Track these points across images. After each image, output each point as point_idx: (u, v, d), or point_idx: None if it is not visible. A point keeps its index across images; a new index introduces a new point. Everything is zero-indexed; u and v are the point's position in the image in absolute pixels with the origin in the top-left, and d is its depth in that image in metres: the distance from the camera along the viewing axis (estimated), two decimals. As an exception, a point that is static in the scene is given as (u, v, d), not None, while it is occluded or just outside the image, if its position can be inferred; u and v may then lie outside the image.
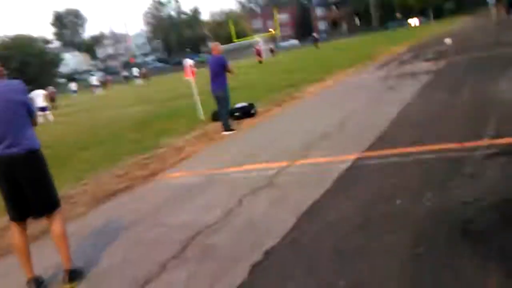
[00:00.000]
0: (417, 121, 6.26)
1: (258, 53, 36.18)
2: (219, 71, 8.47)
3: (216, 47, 8.87)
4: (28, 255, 3.29)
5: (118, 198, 5.42)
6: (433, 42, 21.91)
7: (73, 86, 45.82)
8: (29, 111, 3.30)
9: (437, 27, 40.21)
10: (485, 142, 4.60)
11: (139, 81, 45.37)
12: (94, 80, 44.86)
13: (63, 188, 5.47)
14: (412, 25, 65.05)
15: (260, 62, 33.29)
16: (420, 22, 65.40)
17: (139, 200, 5.20)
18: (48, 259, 3.77)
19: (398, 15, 79.45)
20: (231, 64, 8.68)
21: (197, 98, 10.76)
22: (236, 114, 9.62)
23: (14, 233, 3.30)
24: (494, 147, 4.38)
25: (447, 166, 4.16)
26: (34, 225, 4.52)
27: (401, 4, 77.86)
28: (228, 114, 8.66)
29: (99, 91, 41.16)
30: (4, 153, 3.13)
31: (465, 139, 4.81)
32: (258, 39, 46.62)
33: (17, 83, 3.29)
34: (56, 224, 3.31)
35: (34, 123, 3.37)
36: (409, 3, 76.29)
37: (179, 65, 51.93)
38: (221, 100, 8.51)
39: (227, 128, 8.47)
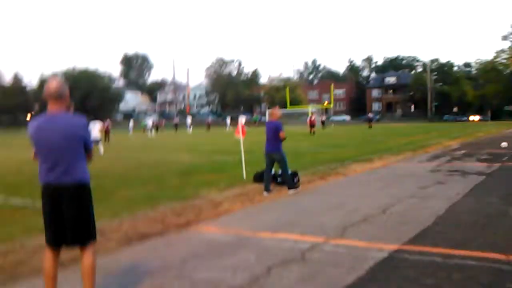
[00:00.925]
0: (464, 223, 6.01)
1: (312, 124, 35.77)
2: (274, 134, 8.99)
3: (275, 112, 9.47)
4: (55, 280, 3.33)
5: (149, 242, 5.44)
6: (488, 143, 21.41)
7: (131, 124, 47.84)
8: (86, 146, 3.45)
9: (493, 128, 39.43)
10: (536, 259, 4.33)
11: (190, 130, 46.96)
12: (148, 122, 46.75)
13: (99, 222, 5.55)
14: (471, 120, 64.32)
15: (313, 133, 33.40)
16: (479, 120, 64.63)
17: (169, 248, 5.19)
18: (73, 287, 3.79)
19: (455, 109, 79.05)
20: (284, 131, 9.01)
21: (242, 157, 10.90)
22: (279, 180, 9.61)
23: (46, 257, 3.36)
24: (545, 267, 4.11)
25: (490, 277, 3.91)
26: (67, 253, 4.60)
27: (459, 98, 77.63)
28: (288, 174, 9.04)
29: (152, 133, 42.71)
30: (54, 181, 3.27)
31: (514, 251, 4.55)
32: (313, 110, 47.35)
33: (79, 118, 3.44)
34: (87, 256, 3.35)
35: (89, 158, 3.51)
36: (468, 99, 75.99)
37: (231, 120, 53.61)
38: (277, 161, 9.02)
39: (292, 186, 8.92)
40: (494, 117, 66.40)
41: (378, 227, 5.88)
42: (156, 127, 49.07)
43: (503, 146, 17.49)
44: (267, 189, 8.83)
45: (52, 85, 3.33)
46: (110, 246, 5.21)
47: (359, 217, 6.41)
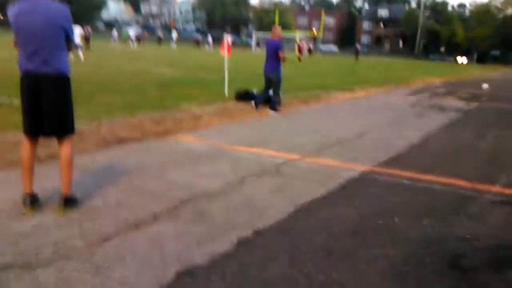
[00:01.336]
0: (436, 152, 6.22)
1: (299, 50, 34.81)
2: (274, 54, 8.80)
3: (276, 30, 9.20)
4: (31, 170, 3.36)
5: (127, 146, 5.49)
6: (470, 83, 21.61)
7: (115, 34, 46.03)
8: (68, 37, 3.35)
9: (477, 70, 39.62)
10: (496, 188, 4.57)
11: (174, 45, 45.69)
12: (131, 33, 45.17)
13: (77, 123, 5.53)
14: (459, 62, 64.13)
15: (299, 59, 32.80)
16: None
17: (147, 152, 5.27)
18: (49, 181, 3.86)
19: (442, 48, 78.59)
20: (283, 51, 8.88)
21: (226, 74, 10.78)
22: (260, 99, 9.62)
23: (23, 146, 3.37)
24: (503, 196, 4.35)
25: (453, 201, 4.14)
26: (44, 148, 4.63)
27: (448, 39, 76.96)
28: (278, 96, 9.06)
29: (134, 45, 41.48)
30: (33, 70, 3.20)
31: (478, 180, 4.78)
32: (301, 36, 46.15)
33: (63, 7, 3.31)
34: (65, 148, 3.37)
35: (69, 48, 3.42)
36: (457, 40, 75.41)
37: (216, 40, 52.14)
38: (273, 82, 8.93)
39: (274, 107, 8.94)
40: (479, 61, 66.45)
41: (352, 150, 6.04)
42: (138, 39, 47.42)
43: (484, 88, 17.71)
44: (256, 105, 9.01)
45: None
46: (88, 147, 5.24)
47: (335, 140, 6.56)
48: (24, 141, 3.38)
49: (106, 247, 2.84)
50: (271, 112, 8.89)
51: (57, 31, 3.23)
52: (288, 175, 4.67)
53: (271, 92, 9.20)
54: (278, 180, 4.45)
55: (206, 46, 50.92)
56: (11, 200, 3.48)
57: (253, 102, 9.22)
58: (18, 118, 3.56)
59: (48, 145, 4.62)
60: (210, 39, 52.89)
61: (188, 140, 6.00)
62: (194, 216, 3.40)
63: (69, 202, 3.37)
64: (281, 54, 8.83)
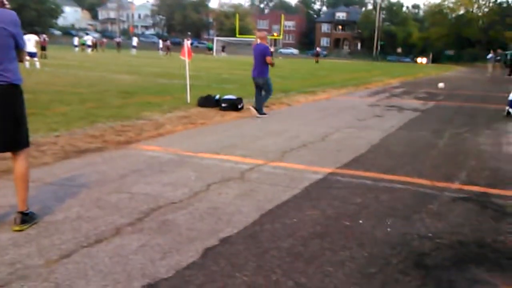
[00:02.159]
0: (396, 152, 6.36)
1: None
2: (262, 59, 8.92)
3: (263, 35, 9.37)
4: (-15, 189, 3.21)
5: (87, 157, 5.33)
6: (426, 83, 22.31)
7: (75, 41, 44.96)
8: (17, 45, 3.20)
9: (433, 70, 40.97)
10: (456, 185, 4.71)
11: (134, 51, 44.95)
12: (88, 39, 44.18)
13: (34, 136, 5.34)
14: (419, 62, 66.11)
15: None
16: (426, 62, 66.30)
17: (108, 163, 5.13)
18: (4, 197, 3.70)
19: (399, 50, 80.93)
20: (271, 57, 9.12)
21: (187, 80, 10.69)
22: (223, 105, 9.59)
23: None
24: (463, 192, 4.49)
25: (415, 199, 4.24)
26: (0, 163, 4.44)
27: (404, 40, 79.33)
28: (265, 100, 9.31)
29: (89, 51, 40.54)
30: None
31: (437, 178, 4.92)
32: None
33: (10, 14, 3.14)
34: (20, 163, 3.23)
35: (20, 58, 3.28)
36: (412, 41, 77.84)
37: (177, 45, 51.66)
38: (262, 86, 9.09)
39: (261, 111, 9.12)
40: (435, 60, 68.80)
41: (315, 153, 6.10)
42: (95, 45, 46.29)
43: (440, 87, 18.29)
44: (257, 109, 9.10)
45: None
46: (46, 160, 5.06)
47: (299, 143, 6.60)
48: (-25, 157, 3.22)
49: (66, 263, 2.73)
50: (258, 115, 9.03)
51: (5, 41, 3.08)
52: (254, 180, 4.66)
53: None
54: (243, 186, 4.43)
55: (158, 51, 50.39)
56: (-37, 219, 3.30)
57: (251, 107, 9.21)
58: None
59: (3, 158, 4.44)
60: (160, 44, 52.31)
61: (151, 149, 5.90)
62: (158, 227, 3.33)
63: (26, 218, 3.23)
64: (268, 59, 8.95)
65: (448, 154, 6.37)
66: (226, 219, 3.53)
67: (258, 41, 9.38)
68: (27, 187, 3.28)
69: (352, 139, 7.19)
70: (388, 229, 3.45)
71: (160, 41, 54.33)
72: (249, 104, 9.79)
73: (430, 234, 3.38)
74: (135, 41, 50.07)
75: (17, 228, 3.17)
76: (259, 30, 8.94)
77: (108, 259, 2.81)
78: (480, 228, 3.59)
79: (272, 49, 34.37)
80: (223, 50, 58.86)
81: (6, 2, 3.21)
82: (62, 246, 2.95)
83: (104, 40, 57.37)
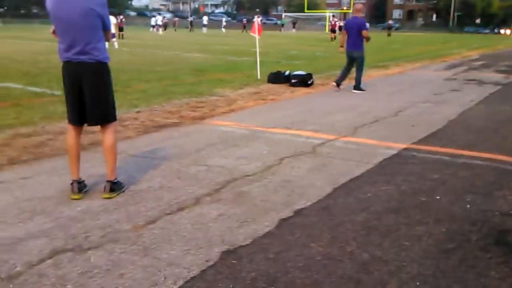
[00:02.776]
0: (475, 127, 6.06)
1: (333, 29, 33.35)
2: (357, 32, 8.86)
3: (359, 7, 9.38)
4: (78, 158, 3.50)
5: (166, 132, 5.61)
6: (508, 56, 20.76)
7: (152, 21, 45.43)
8: (104, 25, 3.41)
9: (519, 41, 37.90)
10: (542, 162, 4.43)
11: (204, 30, 45.59)
12: (158, 19, 44.90)
13: (117, 111, 5.69)
14: (502, 33, 61.19)
15: (333, 39, 31.71)
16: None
17: (185, 137, 5.37)
18: (94, 168, 4.01)
19: (478, 20, 75.40)
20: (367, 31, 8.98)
21: (258, 57, 10.77)
22: (293, 81, 9.59)
23: (68, 134, 3.50)
24: (551, 169, 4.22)
25: (496, 176, 4.05)
26: (88, 137, 4.80)
27: (483, 10, 73.67)
28: (360, 75, 9.23)
29: (161, 31, 41.44)
30: (74, 59, 3.29)
31: (522, 155, 4.65)
32: (331, 15, 44.81)
33: None
34: (108, 136, 3.48)
35: (106, 38, 3.50)
36: (492, 10, 72.15)
37: (246, 23, 51.75)
38: (356, 60, 9.06)
39: (358, 87, 9.10)
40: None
41: (389, 128, 5.96)
42: (165, 25, 47.11)
43: (525, 59, 16.98)
44: (338, 81, 9.18)
45: None
46: (129, 134, 5.40)
47: (371, 119, 6.48)
48: (68, 130, 3.51)
49: (152, 229, 2.94)
50: (355, 91, 9.05)
51: (94, 21, 3.30)
52: (326, 155, 4.67)
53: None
54: (315, 160, 4.46)
55: (222, 28, 50.37)
56: (59, 187, 3.64)
57: (334, 83, 9.27)
58: (61, 108, 3.70)
59: (92, 132, 4.79)
60: (224, 22, 51.91)
61: (224, 124, 6.07)
62: (234, 198, 3.47)
63: (114, 186, 3.50)
64: (364, 33, 8.88)
65: (534, 130, 5.96)
66: (300, 192, 3.59)
67: (356, 13, 9.34)
68: (115, 158, 3.54)
69: (428, 114, 6.93)
70: (468, 206, 3.35)
71: (223, 20, 54.13)
72: (319, 80, 9.70)
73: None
74: (205, 19, 50.83)
75: (106, 195, 3.45)
76: (356, 3, 8.86)
77: (190, 225, 2.99)
78: None
79: (341, 23, 33.46)
80: (294, 27, 58.03)
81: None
82: (148, 213, 3.18)
83: (176, 19, 58.63)
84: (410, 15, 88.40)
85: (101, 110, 3.41)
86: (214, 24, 58.57)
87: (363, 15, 9.16)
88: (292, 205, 3.33)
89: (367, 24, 9.12)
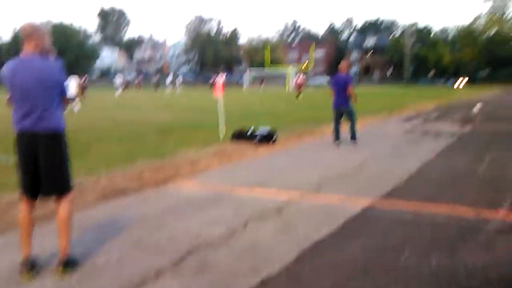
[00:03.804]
0: (435, 180, 6.19)
1: (299, 86, 32.18)
2: (344, 88, 9.22)
3: (346, 65, 9.69)
4: (30, 232, 3.30)
5: (127, 197, 5.44)
6: (461, 106, 21.82)
7: (118, 81, 44.05)
8: (62, 92, 3.36)
9: (467, 92, 40.08)
10: (501, 214, 4.52)
11: (170, 88, 45.81)
12: (119, 79, 44.44)
13: (75, 177, 5.50)
14: (456, 85, 64.50)
15: (298, 95, 30.21)
16: (464, 84, 64.55)
17: (147, 202, 5.21)
18: (47, 241, 3.79)
19: (431, 73, 79.83)
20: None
21: (221, 116, 10.85)
22: (257, 138, 9.65)
23: (21, 207, 3.32)
24: (509, 221, 4.30)
25: (459, 230, 4.08)
26: (43, 208, 4.58)
27: (436, 63, 78.25)
28: (355, 127, 9.51)
29: (120, 91, 40.57)
30: (29, 128, 3.19)
31: (481, 207, 4.74)
32: (293, 71, 45.89)
33: (56, 63, 3.32)
34: (64, 207, 3.32)
35: (65, 104, 3.43)
36: (444, 63, 76.74)
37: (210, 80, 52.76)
38: (346, 115, 9.40)
39: (355, 138, 9.43)
40: (469, 82, 67.43)
41: (352, 184, 6.01)
42: (127, 85, 46.35)
43: (476, 110, 17.87)
44: (337, 138, 9.43)
45: (22, 25, 3.22)
46: (87, 201, 5.19)
47: (334, 174, 6.53)
48: (22, 202, 3.33)
49: (110, 308, 2.76)
50: (354, 142, 9.35)
51: (51, 89, 3.24)
52: (291, 215, 4.62)
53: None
54: (281, 222, 4.40)
55: (174, 87, 49.50)
56: (10, 265, 3.40)
57: (337, 142, 9.45)
58: (14, 177, 3.52)
59: (45, 203, 4.57)
60: (170, 80, 51.42)
61: (188, 186, 5.97)
62: (198, 267, 3.33)
63: (69, 263, 3.30)
64: (350, 89, 9.18)
65: (489, 181, 6.14)
66: (266, 258, 3.49)
67: (342, 71, 9.61)
68: (70, 231, 3.36)
69: (388, 168, 7.05)
70: (434, 265, 3.33)
71: (175, 78, 53.35)
72: (283, 136, 9.81)
73: (478, 269, 3.23)
74: (178, 80, 50.99)
75: (60, 272, 3.23)
76: (344, 62, 9.10)
77: (150, 302, 2.81)
78: (533, 260, 3.41)
79: (300, 78, 34.19)
80: (261, 83, 59.20)
81: (51, 51, 3.39)
82: (105, 290, 2.99)
83: (139, 78, 58.80)
84: (367, 69, 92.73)
85: (57, 181, 3.28)
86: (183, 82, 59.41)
87: (350, 71, 9.63)
88: (259, 272, 3.22)
89: (353, 80, 9.52)
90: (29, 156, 3.21)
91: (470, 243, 3.75)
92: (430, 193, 5.41)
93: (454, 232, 4.04)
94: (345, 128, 9.72)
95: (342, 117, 9.53)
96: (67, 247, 3.33)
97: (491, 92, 40.77)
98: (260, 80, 60.46)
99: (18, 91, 3.20)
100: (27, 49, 3.22)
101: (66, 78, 3.42)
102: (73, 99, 19.31)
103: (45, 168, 3.22)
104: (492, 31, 74.12)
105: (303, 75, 35.09)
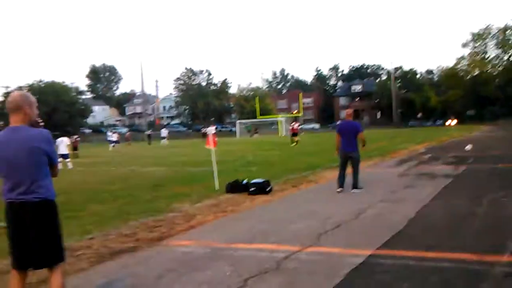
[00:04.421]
0: (435, 225, 6.13)
1: (294, 133, 31.67)
2: (354, 135, 9.49)
3: (351, 113, 10.16)
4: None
5: (122, 259, 5.29)
6: (452, 147, 22.02)
7: (112, 136, 43.78)
8: (51, 162, 3.33)
9: (456, 132, 40.61)
10: (505, 258, 4.44)
11: (164, 142, 45.72)
12: (110, 135, 44.52)
13: (69, 240, 5.39)
14: (447, 124, 66.41)
15: (296, 142, 29.98)
16: (456, 123, 66.03)
17: (142, 264, 5.07)
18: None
19: (419, 115, 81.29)
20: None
21: (215, 167, 10.82)
22: (252, 189, 9.59)
23: (12, 281, 3.21)
24: (515, 265, 4.22)
25: (464, 278, 3.99)
26: (34, 275, 4.43)
27: (423, 104, 79.88)
28: (358, 175, 9.61)
29: (111, 147, 40.43)
30: (18, 199, 3.13)
31: (484, 251, 4.67)
32: (282, 119, 46.35)
33: (43, 132, 3.30)
34: (56, 278, 3.22)
35: (54, 174, 3.38)
36: (431, 104, 78.32)
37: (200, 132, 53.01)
38: (354, 161, 9.53)
39: (357, 185, 9.45)
40: (458, 122, 68.65)
41: (351, 233, 5.92)
42: (117, 141, 45.97)
43: (468, 149, 18.02)
44: (340, 185, 9.51)
45: (10, 97, 3.22)
46: (81, 266, 5.04)
47: (333, 224, 6.44)
48: (12, 274, 3.22)
49: None
50: (356, 191, 9.32)
51: (39, 159, 3.21)
52: (291, 270, 4.50)
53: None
54: (281, 278, 4.27)
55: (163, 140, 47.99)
56: None
57: (339, 189, 9.49)
58: (5, 244, 3.42)
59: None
60: (165, 133, 49.81)
61: (184, 244, 5.83)
62: (199, 334, 3.19)
63: (65, 335, 3.16)
64: (361, 136, 9.51)
65: (490, 223, 6.10)
66: (268, 319, 3.36)
67: (347, 118, 10.03)
68: (64, 302, 3.24)
69: (387, 214, 6.99)
70: (443, 317, 3.22)
71: (165, 131, 51.15)
72: (279, 185, 9.75)
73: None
74: (164, 132, 50.92)
75: None
76: (348, 108, 10.03)
77: None
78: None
79: (296, 126, 34.43)
80: (255, 132, 60.16)
81: (40, 121, 3.39)
82: None
83: (129, 133, 58.33)
84: (356, 114, 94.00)
85: (48, 252, 3.19)
86: (173, 135, 59.63)
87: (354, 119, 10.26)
88: (261, 336, 3.08)
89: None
90: (19, 228, 3.14)
91: (477, 292, 3.65)
92: (431, 240, 5.32)
93: (460, 281, 3.94)
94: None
95: (347, 163, 9.59)
96: (62, 320, 3.19)
97: (480, 131, 41.33)
98: (254, 128, 61.35)
99: (6, 164, 3.17)
100: (13, 120, 3.21)
101: (54, 146, 3.39)
102: (65, 157, 19.30)
103: (36, 239, 3.14)
104: (475, 72, 76.21)
105: (298, 123, 35.08)
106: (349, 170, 9.62)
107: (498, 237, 5.24)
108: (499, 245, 4.87)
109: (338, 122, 10.38)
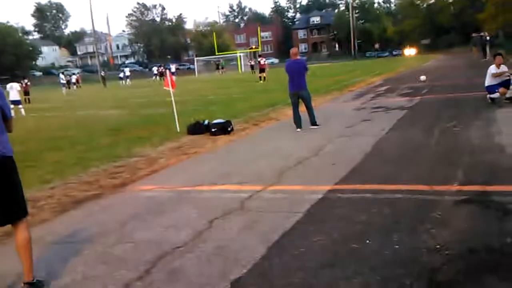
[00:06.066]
0: (390, 157, 6.39)
1: (262, 69, 30.38)
2: (302, 72, 9.50)
3: (296, 52, 9.98)
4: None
5: (85, 207, 5.29)
6: (408, 77, 22.52)
7: (63, 79, 42.29)
8: (4, 116, 3.20)
9: (412, 62, 41.39)
10: (454, 187, 4.74)
11: (127, 82, 44.28)
12: (63, 78, 42.75)
13: (29, 191, 5.29)
14: (407, 54, 67.51)
15: (264, 78, 28.89)
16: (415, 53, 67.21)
17: (107, 211, 5.09)
18: (9, 266, 3.64)
19: (376, 46, 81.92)
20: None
21: (174, 109, 10.69)
22: (213, 130, 9.60)
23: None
24: (463, 194, 4.51)
25: (417, 208, 4.25)
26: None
27: (380, 35, 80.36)
28: (313, 112, 9.71)
29: (64, 91, 38.93)
30: None
31: (435, 182, 4.95)
32: (260, 55, 44.87)
33: None
34: (21, 233, 3.19)
35: (8, 129, 3.27)
36: (388, 35, 78.94)
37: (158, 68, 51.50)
38: (305, 98, 9.58)
39: (315, 122, 9.58)
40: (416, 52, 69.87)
41: (312, 170, 6.11)
42: (68, 82, 44.23)
43: (422, 80, 18.46)
44: (298, 126, 9.54)
45: None
46: (45, 216, 5.01)
47: (294, 161, 6.61)
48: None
49: (81, 332, 2.69)
50: (313, 127, 9.48)
51: None
52: (255, 209, 4.65)
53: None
54: (245, 218, 4.42)
55: (124, 81, 48.07)
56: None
57: (298, 129, 9.49)
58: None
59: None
60: (127, 72, 49.97)
61: (148, 189, 5.87)
62: (167, 277, 3.29)
63: (34, 287, 3.19)
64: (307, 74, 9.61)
65: (441, 153, 6.42)
66: (234, 258, 3.50)
67: (293, 57, 9.81)
68: (31, 255, 3.24)
69: (345, 149, 7.22)
70: (396, 246, 3.45)
71: (127, 70, 51.73)
72: (240, 124, 9.80)
73: (438, 246, 3.38)
74: (127, 71, 49.27)
75: (26, 298, 3.13)
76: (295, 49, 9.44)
77: (122, 320, 2.77)
78: (486, 231, 3.61)
79: (253, 62, 33.83)
80: (218, 68, 57.83)
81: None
82: (74, 312, 2.91)
83: (79, 75, 55.62)
84: (314, 47, 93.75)
85: (10, 209, 3.13)
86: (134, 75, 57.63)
87: (300, 56, 10.19)
88: (228, 275, 3.23)
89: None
90: None
91: (428, 221, 3.90)
92: (387, 172, 5.58)
93: (413, 210, 4.20)
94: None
95: (299, 101, 9.61)
96: (31, 272, 3.21)
97: (434, 60, 42.25)
98: (216, 65, 59.68)
99: None
100: None
101: (5, 101, 3.24)
102: (17, 103, 18.51)
103: None
104: (431, 0, 76.50)
105: (264, 58, 33.85)
106: (302, 108, 9.68)
107: (448, 168, 5.54)
108: (449, 175, 5.17)
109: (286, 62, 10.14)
